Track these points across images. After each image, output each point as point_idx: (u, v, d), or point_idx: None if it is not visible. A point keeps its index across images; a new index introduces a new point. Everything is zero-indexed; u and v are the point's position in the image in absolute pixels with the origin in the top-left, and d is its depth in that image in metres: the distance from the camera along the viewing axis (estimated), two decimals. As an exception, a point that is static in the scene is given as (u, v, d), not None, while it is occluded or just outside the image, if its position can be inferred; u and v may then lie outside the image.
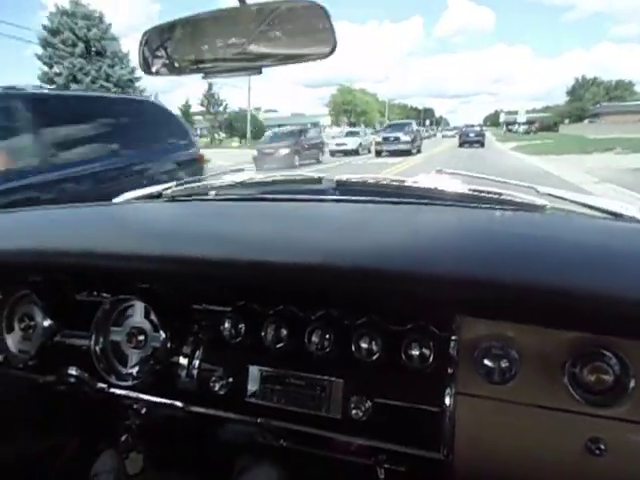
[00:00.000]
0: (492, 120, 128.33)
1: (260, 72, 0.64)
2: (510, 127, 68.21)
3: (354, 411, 0.81)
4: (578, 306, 0.65)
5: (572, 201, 1.03)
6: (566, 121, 60.88)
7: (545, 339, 0.72)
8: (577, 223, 0.94)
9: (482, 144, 28.90)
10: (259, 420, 0.90)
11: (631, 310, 0.63)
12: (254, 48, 0.60)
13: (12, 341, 1.09)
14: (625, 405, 0.67)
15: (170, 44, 0.65)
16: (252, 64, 0.62)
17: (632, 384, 0.66)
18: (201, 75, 0.66)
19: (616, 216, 0.97)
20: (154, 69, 0.68)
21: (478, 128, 32.24)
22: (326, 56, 0.61)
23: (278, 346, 0.87)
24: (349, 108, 77.26)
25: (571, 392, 0.69)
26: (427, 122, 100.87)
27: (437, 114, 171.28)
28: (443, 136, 59.58)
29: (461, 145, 29.95)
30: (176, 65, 0.66)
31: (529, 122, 65.27)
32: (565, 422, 0.70)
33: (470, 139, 29.75)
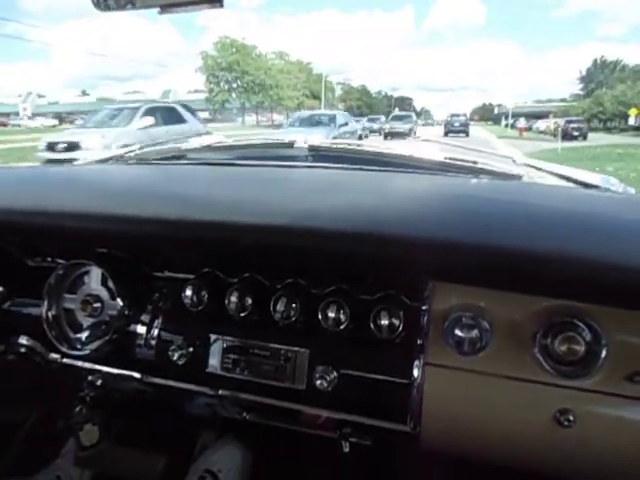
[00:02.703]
0: (481, 113, 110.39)
1: (221, 5, 0.59)
2: (508, 123, 45.35)
3: (319, 382, 0.77)
4: (549, 271, 0.64)
5: (549, 172, 1.01)
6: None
7: (516, 309, 0.70)
8: (551, 191, 0.92)
9: (467, 133, 29.98)
10: (221, 392, 0.86)
11: (603, 275, 0.62)
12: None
13: None
14: (595, 376, 0.66)
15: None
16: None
17: (603, 354, 0.65)
18: (157, 10, 0.61)
19: (591, 187, 0.96)
20: (106, 3, 0.62)
21: (463, 118, 32.92)
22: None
23: (242, 315, 0.83)
24: (232, 78, 44.06)
25: (542, 363, 0.68)
26: (396, 111, 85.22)
27: (427, 107, 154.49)
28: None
29: (446, 134, 30.56)
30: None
31: (527, 115, 44.28)
32: (535, 393, 0.68)
33: (455, 128, 30.64)
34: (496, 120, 70.16)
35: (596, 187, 0.95)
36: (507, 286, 0.69)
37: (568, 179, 0.99)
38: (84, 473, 1.13)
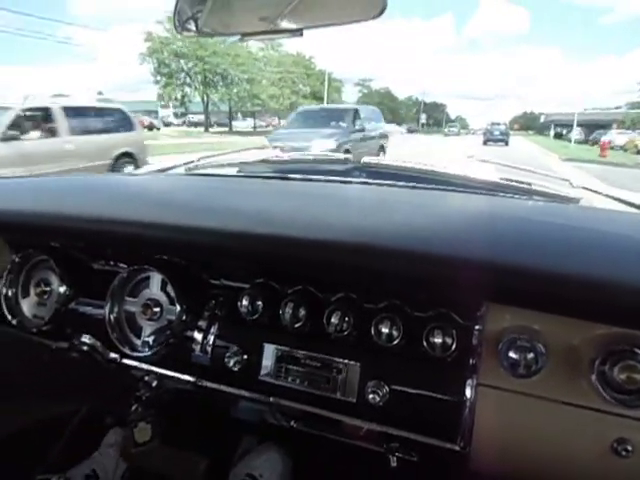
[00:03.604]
0: (522, 122, 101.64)
1: (301, 34, 0.61)
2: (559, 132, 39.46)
3: (371, 396, 0.79)
4: (608, 298, 0.63)
5: (607, 196, 1.00)
6: None
7: (574, 334, 0.69)
8: (609, 216, 0.91)
9: (506, 143, 29.47)
10: (272, 399, 0.89)
11: None
12: (296, 8, 0.58)
13: (27, 305, 1.08)
14: None
15: (208, 1, 0.63)
16: (293, 25, 0.60)
17: None
18: (238, 37, 0.64)
19: None
20: (191, 29, 0.66)
21: (503, 127, 32.63)
22: (375, 17, 0.57)
23: (296, 326, 0.85)
24: (189, 69, 30.77)
25: (599, 390, 0.67)
26: (423, 118, 73.00)
27: (463, 115, 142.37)
28: None
29: (485, 143, 30.03)
30: (214, 25, 0.64)
31: (582, 124, 35.42)
32: (591, 421, 0.67)
33: (495, 137, 30.31)
34: (540, 130, 61.85)
35: None
36: (564, 311, 0.69)
37: (627, 203, 0.97)
38: (119, 468, 1.17)
